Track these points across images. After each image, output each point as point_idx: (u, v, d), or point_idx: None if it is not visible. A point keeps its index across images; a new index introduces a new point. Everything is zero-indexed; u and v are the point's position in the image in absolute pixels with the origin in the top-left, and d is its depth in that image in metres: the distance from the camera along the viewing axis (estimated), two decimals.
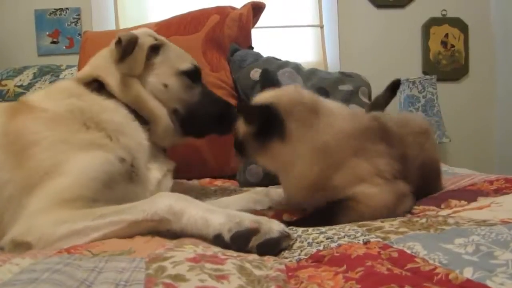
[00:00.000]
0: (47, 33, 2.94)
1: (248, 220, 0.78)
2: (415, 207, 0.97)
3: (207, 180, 1.78)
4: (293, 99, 0.98)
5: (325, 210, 0.94)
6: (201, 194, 1.42)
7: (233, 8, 2.06)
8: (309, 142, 0.94)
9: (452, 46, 3.10)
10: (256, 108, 0.98)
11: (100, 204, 0.91)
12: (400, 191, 0.94)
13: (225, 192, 1.47)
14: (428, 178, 1.10)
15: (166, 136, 1.24)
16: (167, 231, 0.84)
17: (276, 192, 1.23)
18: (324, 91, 1.75)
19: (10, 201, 0.91)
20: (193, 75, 1.28)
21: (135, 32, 1.22)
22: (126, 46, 1.16)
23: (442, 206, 0.95)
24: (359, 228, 0.76)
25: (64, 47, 2.95)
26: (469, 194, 0.98)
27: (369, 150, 0.95)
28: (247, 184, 1.69)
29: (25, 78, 2.24)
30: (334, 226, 0.81)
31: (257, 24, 2.27)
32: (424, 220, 0.75)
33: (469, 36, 3.11)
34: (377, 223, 0.77)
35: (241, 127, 1.01)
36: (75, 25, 2.94)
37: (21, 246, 0.81)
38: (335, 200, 0.93)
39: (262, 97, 1.02)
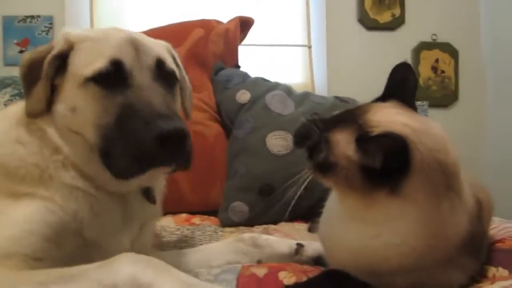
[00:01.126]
0: (15, 41, 2.75)
1: None
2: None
3: (184, 216, 1.60)
4: (436, 149, 0.71)
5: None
6: (177, 237, 1.23)
7: (218, 22, 1.91)
8: (432, 212, 0.69)
9: (442, 71, 3.03)
10: (389, 138, 0.68)
11: (45, 263, 0.72)
12: None
13: (205, 233, 1.29)
14: None
15: (102, 180, 0.87)
16: None
17: (267, 241, 1.05)
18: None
19: None
20: (109, 79, 0.83)
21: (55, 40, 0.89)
22: (28, 74, 0.85)
23: None
24: None
25: None
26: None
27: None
28: (229, 223, 1.52)
29: None
30: None
31: (244, 42, 2.12)
32: None
33: (459, 61, 3.04)
34: None
35: (346, 149, 0.72)
36: (47, 34, 2.76)
37: None
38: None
39: (390, 118, 0.73)
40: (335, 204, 0.82)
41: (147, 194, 0.95)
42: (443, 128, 0.77)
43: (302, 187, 0.83)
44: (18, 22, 2.74)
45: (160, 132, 0.75)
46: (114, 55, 0.84)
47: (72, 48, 0.86)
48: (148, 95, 0.82)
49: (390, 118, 0.74)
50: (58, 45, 0.86)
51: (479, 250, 0.79)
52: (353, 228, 0.75)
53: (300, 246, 1.04)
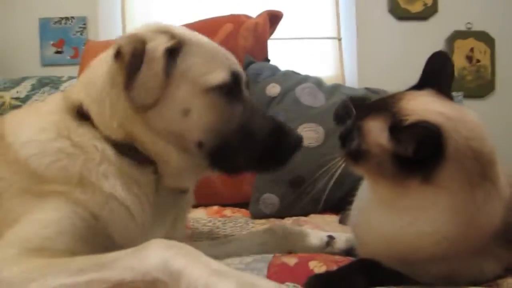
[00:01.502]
0: (52, 42, 2.84)
1: None
2: None
3: (215, 208, 1.62)
4: (471, 137, 0.69)
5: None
6: (208, 228, 1.24)
7: (248, 17, 1.91)
8: (465, 201, 0.68)
9: (478, 61, 2.94)
10: (422, 127, 0.67)
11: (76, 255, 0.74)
12: None
13: (236, 225, 1.30)
14: None
15: (179, 179, 0.93)
16: None
17: (298, 233, 1.04)
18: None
19: None
20: (231, 90, 0.90)
21: (139, 31, 0.88)
22: (133, 61, 0.82)
23: None
24: None
25: (68, 57, 2.84)
26: None
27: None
28: (260, 215, 1.53)
29: (23, 89, 2.10)
30: None
31: (273, 36, 2.12)
32: None
33: (496, 50, 2.94)
34: None
35: (378, 136, 0.71)
36: (81, 34, 2.84)
37: None
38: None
39: (424, 106, 0.72)
40: (367, 193, 0.81)
41: None
42: (479, 117, 0.75)
43: (335, 177, 0.82)
44: (54, 23, 2.82)
45: (298, 139, 0.93)
46: (234, 68, 0.92)
47: (181, 47, 0.88)
48: (258, 107, 0.98)
49: (424, 106, 0.72)
50: (161, 39, 0.86)
51: None
52: (385, 216, 0.74)
53: (331, 238, 1.03)
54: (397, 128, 0.70)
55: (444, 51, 0.80)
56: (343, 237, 1.03)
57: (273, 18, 1.95)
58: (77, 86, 0.94)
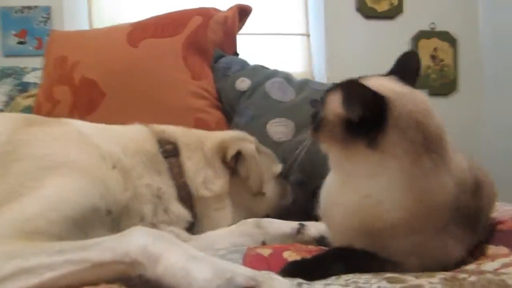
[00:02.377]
0: (14, 32, 2.74)
1: (243, 276, 0.59)
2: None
3: None
4: (416, 111, 0.73)
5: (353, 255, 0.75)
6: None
7: (217, 10, 1.89)
8: (412, 167, 0.72)
9: (441, 60, 3.03)
10: (369, 93, 0.72)
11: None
12: None
13: None
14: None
15: None
16: (138, 277, 0.65)
17: (270, 223, 1.05)
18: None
19: None
20: (284, 175, 1.24)
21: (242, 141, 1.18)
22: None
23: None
24: (390, 285, 0.59)
25: (31, 48, 2.74)
26: None
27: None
28: None
29: None
30: (358, 281, 0.63)
31: (241, 31, 2.11)
32: (474, 278, 0.58)
33: (458, 50, 3.04)
34: (413, 279, 0.60)
35: (335, 105, 0.77)
36: (44, 24, 2.75)
37: None
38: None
39: (379, 83, 0.77)
40: (331, 174, 0.85)
41: None
42: (429, 100, 0.79)
43: (303, 153, 0.91)
44: (16, 12, 2.73)
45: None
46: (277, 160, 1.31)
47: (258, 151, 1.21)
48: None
49: (379, 83, 0.77)
50: (251, 144, 1.21)
51: (475, 225, 0.80)
52: (345, 187, 0.78)
53: (302, 225, 1.05)
54: (350, 88, 0.76)
55: (415, 51, 0.87)
56: (314, 225, 1.05)
57: (243, 12, 1.94)
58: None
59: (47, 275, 0.64)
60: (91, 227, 0.82)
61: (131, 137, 1.05)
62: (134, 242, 0.66)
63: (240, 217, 1.11)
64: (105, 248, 0.66)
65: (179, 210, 1.04)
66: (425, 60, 3.00)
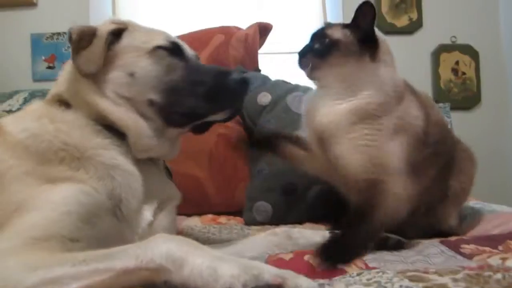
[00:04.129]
0: (43, 57, 2.84)
1: (269, 273, 0.61)
2: (464, 245, 0.81)
3: (210, 216, 1.63)
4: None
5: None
6: (203, 234, 1.25)
7: (238, 29, 1.95)
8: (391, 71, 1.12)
9: (463, 73, 3.00)
10: (369, 8, 1.07)
11: (81, 245, 0.76)
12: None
13: (232, 232, 1.31)
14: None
15: (147, 145, 1.00)
16: (164, 283, 0.67)
17: (300, 233, 1.06)
18: None
19: None
20: (171, 51, 1.02)
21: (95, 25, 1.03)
22: (79, 40, 0.96)
23: (500, 248, 0.78)
24: (413, 283, 0.59)
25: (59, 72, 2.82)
26: None
27: None
28: (254, 222, 1.54)
29: (15, 103, 2.10)
30: (381, 280, 0.64)
31: (263, 50, 2.16)
32: (500, 276, 0.58)
33: (480, 63, 3.01)
34: (436, 278, 0.60)
35: (339, 32, 1.10)
36: None
37: None
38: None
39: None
40: (314, 97, 1.18)
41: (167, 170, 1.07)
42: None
43: None
44: (46, 39, 2.83)
45: (237, 78, 1.00)
46: (172, 38, 1.05)
47: (126, 28, 1.03)
48: (205, 65, 1.13)
49: None
50: (108, 26, 1.01)
51: (420, 174, 1.04)
52: (348, 94, 1.08)
53: (333, 234, 1.03)
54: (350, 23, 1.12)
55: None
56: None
57: (263, 29, 1.98)
58: (53, 87, 1.06)
59: (73, 286, 0.65)
60: (95, 215, 0.83)
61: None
62: (158, 248, 0.67)
63: (127, 108, 0.98)
64: (129, 256, 0.68)
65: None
66: (446, 74, 2.97)
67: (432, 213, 1.10)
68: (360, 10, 1.08)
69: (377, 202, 0.97)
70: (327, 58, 1.08)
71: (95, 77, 0.97)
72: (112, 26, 1.01)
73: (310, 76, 1.16)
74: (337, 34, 1.09)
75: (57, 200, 0.80)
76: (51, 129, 0.91)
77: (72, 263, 0.67)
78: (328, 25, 1.17)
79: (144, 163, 0.99)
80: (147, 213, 0.96)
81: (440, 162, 1.14)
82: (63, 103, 0.98)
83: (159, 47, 1.00)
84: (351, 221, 0.96)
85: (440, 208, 1.12)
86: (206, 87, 0.98)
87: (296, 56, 1.19)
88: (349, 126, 1.06)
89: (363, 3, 1.07)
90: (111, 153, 0.92)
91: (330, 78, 1.09)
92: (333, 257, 0.83)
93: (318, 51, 1.09)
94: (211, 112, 1.01)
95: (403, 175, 1.01)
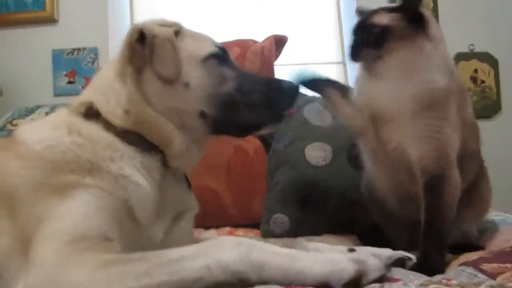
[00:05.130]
0: (64, 72, 2.90)
1: (353, 267, 0.68)
2: (485, 263, 0.80)
3: (227, 229, 1.63)
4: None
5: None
6: None
7: (254, 42, 1.96)
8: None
9: (482, 81, 2.96)
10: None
11: (115, 244, 0.77)
12: None
13: None
14: None
15: (184, 158, 0.98)
16: (239, 280, 0.69)
17: (317, 247, 1.03)
18: None
19: (11, 254, 0.77)
20: (221, 59, 0.98)
21: (147, 24, 0.98)
22: (157, 43, 0.92)
23: None
24: None
25: (80, 87, 2.89)
26: None
27: None
28: (271, 235, 1.53)
29: (37, 117, 2.15)
30: None
31: (279, 61, 2.17)
32: None
33: (500, 71, 2.97)
34: None
35: (386, 17, 1.08)
36: (92, 64, 2.90)
37: None
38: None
39: None
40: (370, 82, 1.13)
41: (186, 179, 1.05)
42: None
43: None
44: (66, 54, 2.90)
45: (288, 85, 1.00)
46: (218, 43, 1.02)
47: (179, 32, 0.99)
48: (252, 72, 1.11)
49: None
50: (170, 28, 0.97)
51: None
52: (408, 76, 1.05)
53: (351, 250, 1.02)
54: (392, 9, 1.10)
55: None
56: (364, 249, 1.03)
57: (279, 42, 2.00)
58: (84, 94, 1.02)
59: None
60: (117, 218, 0.83)
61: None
62: (228, 255, 0.69)
63: (174, 120, 0.95)
64: (199, 266, 0.69)
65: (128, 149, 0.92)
66: (465, 82, 2.94)
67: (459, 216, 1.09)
68: None
69: (446, 199, 1.00)
70: (383, 46, 1.05)
71: (141, 84, 0.94)
72: (174, 28, 0.98)
73: (369, 68, 1.12)
74: (385, 19, 1.07)
75: (75, 206, 0.80)
76: (67, 141, 0.89)
77: (134, 275, 0.68)
78: (371, 13, 1.13)
79: (163, 176, 0.96)
80: (159, 230, 0.93)
81: (473, 167, 1.14)
82: (90, 112, 0.95)
83: (209, 56, 0.97)
84: (428, 225, 1.00)
85: (466, 212, 1.12)
86: (261, 98, 0.97)
87: (348, 51, 1.16)
88: (413, 113, 1.03)
89: None
90: (119, 165, 0.89)
91: (392, 66, 1.06)
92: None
93: (372, 42, 1.07)
94: (266, 123, 1.00)
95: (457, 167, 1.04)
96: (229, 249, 0.70)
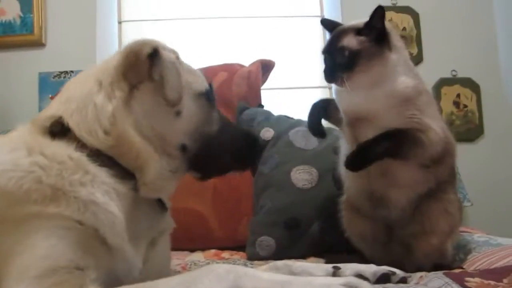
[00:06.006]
0: (50, 95, 2.88)
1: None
2: (469, 278, 0.81)
3: (213, 251, 1.63)
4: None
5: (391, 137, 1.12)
6: None
7: (241, 66, 1.99)
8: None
9: (465, 106, 3.02)
10: (382, 10, 1.14)
11: (89, 273, 0.74)
12: None
13: None
14: None
15: (157, 188, 0.92)
16: None
17: (302, 267, 1.01)
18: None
19: None
20: (210, 97, 1.00)
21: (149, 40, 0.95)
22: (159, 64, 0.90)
23: (505, 281, 0.78)
24: None
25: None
26: None
27: None
28: (257, 257, 1.53)
29: None
30: None
31: (265, 86, 2.20)
32: None
33: (482, 95, 3.03)
34: None
35: (354, 40, 1.16)
36: None
37: None
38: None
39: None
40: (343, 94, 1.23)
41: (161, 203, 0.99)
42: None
43: None
44: (53, 77, 2.89)
45: (247, 143, 1.07)
46: (208, 80, 1.04)
47: (177, 57, 0.99)
48: (225, 116, 1.10)
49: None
50: (172, 55, 0.96)
51: None
52: (382, 83, 1.14)
53: (336, 268, 1.01)
54: (361, 29, 1.18)
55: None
56: (348, 266, 1.01)
57: (266, 66, 2.03)
58: (52, 106, 0.94)
59: None
60: (86, 247, 0.77)
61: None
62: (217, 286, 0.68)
63: (155, 146, 0.90)
64: None
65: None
66: (448, 107, 2.99)
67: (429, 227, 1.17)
68: (376, 12, 1.15)
69: (421, 139, 1.12)
70: (354, 68, 1.14)
71: (129, 103, 0.88)
72: (175, 54, 0.98)
73: (343, 87, 1.20)
74: (353, 43, 1.16)
75: (40, 237, 0.74)
76: (26, 164, 0.79)
77: None
78: (339, 34, 1.21)
79: (136, 202, 0.89)
80: (137, 260, 0.87)
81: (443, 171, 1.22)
82: (58, 128, 0.87)
83: (203, 93, 0.99)
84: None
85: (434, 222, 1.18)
86: (237, 147, 1.04)
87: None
88: (390, 108, 1.15)
89: (379, 7, 1.15)
90: (90, 190, 0.80)
91: (363, 83, 1.15)
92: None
93: (344, 65, 1.15)
94: (236, 169, 1.08)
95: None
96: (218, 279, 0.69)
